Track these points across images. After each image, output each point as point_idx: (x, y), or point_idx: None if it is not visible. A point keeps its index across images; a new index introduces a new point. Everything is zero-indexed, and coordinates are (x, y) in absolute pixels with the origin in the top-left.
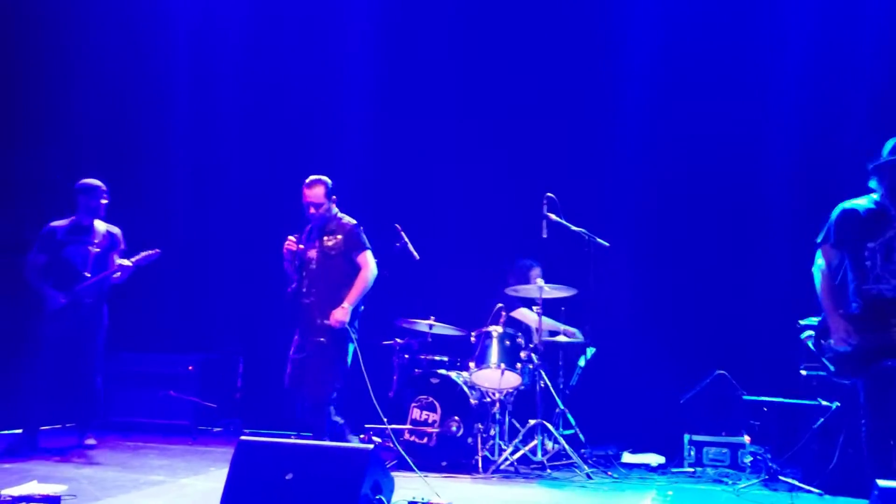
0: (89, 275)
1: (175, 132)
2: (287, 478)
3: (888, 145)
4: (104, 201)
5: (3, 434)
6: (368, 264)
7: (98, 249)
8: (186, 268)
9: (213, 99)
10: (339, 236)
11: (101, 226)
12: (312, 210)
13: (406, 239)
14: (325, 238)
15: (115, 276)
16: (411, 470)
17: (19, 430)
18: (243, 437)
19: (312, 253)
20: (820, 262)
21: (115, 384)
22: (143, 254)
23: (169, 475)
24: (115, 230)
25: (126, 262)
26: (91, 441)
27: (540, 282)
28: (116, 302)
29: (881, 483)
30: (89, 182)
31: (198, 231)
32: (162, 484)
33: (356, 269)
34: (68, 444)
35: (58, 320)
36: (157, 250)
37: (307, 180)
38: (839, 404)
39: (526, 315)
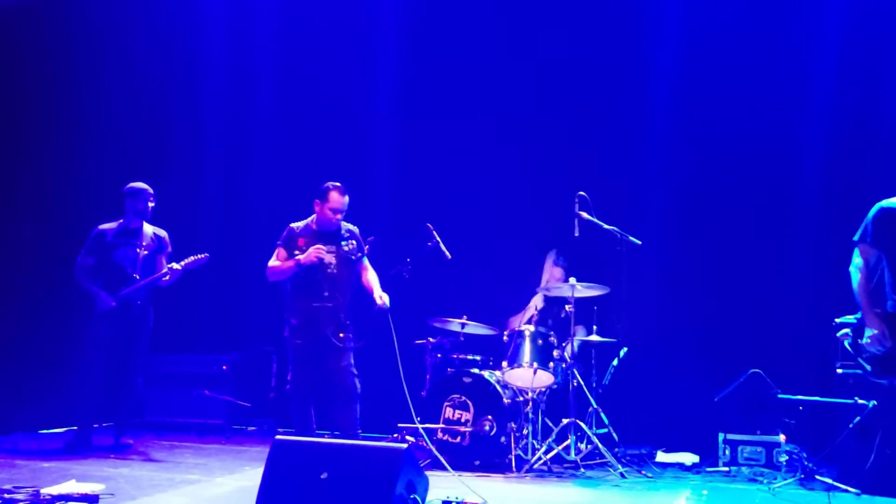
0: (138, 277)
1: (208, 135)
2: (322, 477)
3: None
4: (151, 204)
5: (56, 433)
6: (370, 268)
7: (146, 252)
8: (220, 268)
9: (246, 101)
10: (354, 242)
11: (148, 228)
12: (339, 217)
13: (438, 238)
14: (344, 243)
15: (164, 279)
16: (445, 469)
17: (74, 428)
18: (278, 437)
19: (331, 258)
20: (857, 260)
21: (151, 384)
22: (193, 258)
23: (204, 474)
24: (163, 233)
25: (176, 266)
26: (128, 440)
27: (571, 280)
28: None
29: None
30: (136, 185)
31: (230, 231)
32: (197, 483)
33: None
34: (105, 443)
35: (108, 321)
36: (206, 255)
37: (340, 186)
38: (876, 403)
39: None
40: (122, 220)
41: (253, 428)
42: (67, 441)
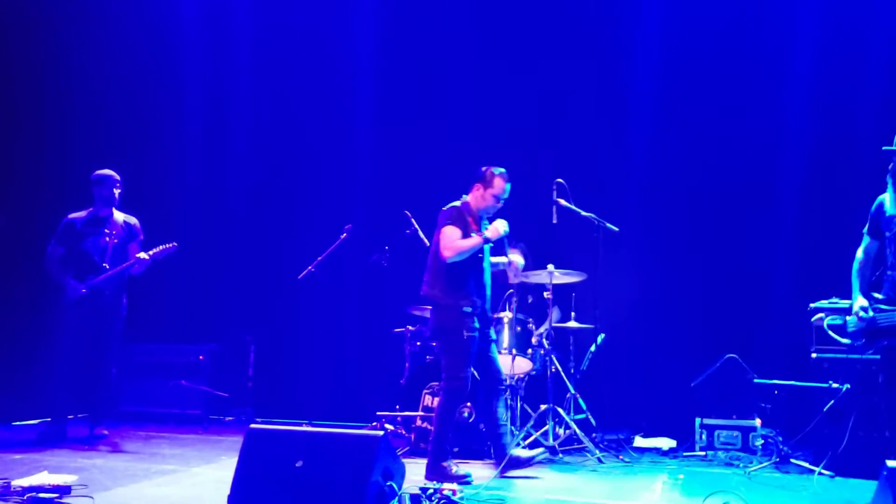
0: (108, 266)
1: (186, 125)
2: (297, 465)
3: None
4: (117, 190)
5: (29, 424)
6: None
7: (116, 240)
8: (196, 258)
9: (224, 88)
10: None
11: (119, 216)
12: (499, 204)
13: (416, 226)
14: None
15: (132, 267)
16: (423, 456)
17: (48, 419)
18: (253, 426)
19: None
20: (860, 248)
21: (127, 374)
22: (161, 247)
23: (180, 464)
24: (134, 221)
25: (143, 256)
26: (103, 431)
27: (549, 266)
28: (127, 292)
29: (890, 463)
30: (102, 172)
31: (207, 221)
32: (173, 473)
33: None
34: (80, 434)
35: (78, 311)
36: (174, 244)
37: (505, 173)
38: (849, 386)
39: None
40: (91, 209)
41: (231, 418)
42: (40, 432)
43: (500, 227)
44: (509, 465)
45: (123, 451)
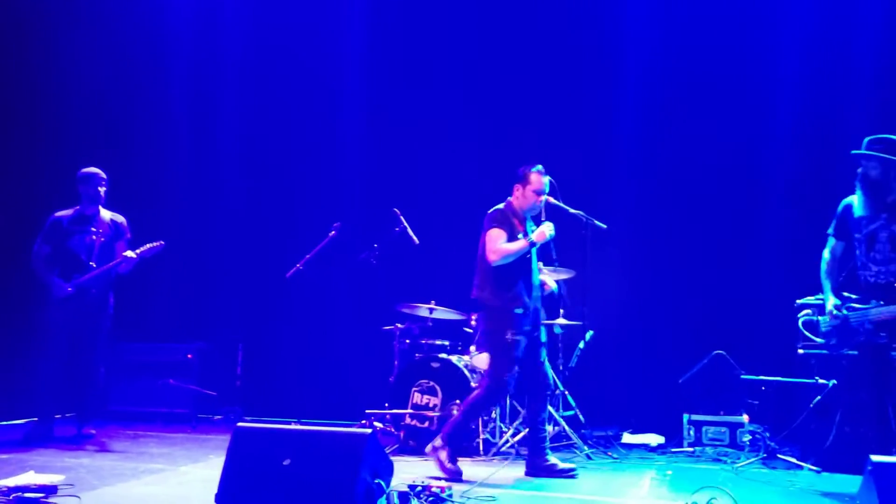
0: (94, 264)
1: (174, 122)
2: (285, 463)
3: (865, 141)
4: (103, 188)
5: (16, 424)
6: None
7: (103, 239)
8: (185, 256)
9: (212, 88)
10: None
11: (105, 214)
12: (541, 199)
13: (405, 223)
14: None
15: (119, 266)
16: (413, 454)
17: (34, 419)
18: (240, 424)
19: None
20: (826, 250)
21: (115, 373)
22: (148, 246)
23: (168, 463)
24: (121, 219)
25: (131, 254)
26: (91, 431)
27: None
28: (115, 291)
29: (874, 458)
30: (87, 171)
31: (196, 220)
32: (161, 472)
33: None
34: (68, 433)
35: (64, 310)
36: (161, 242)
37: (540, 167)
38: (836, 382)
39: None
40: (77, 207)
41: (219, 417)
42: (27, 432)
43: (545, 230)
44: (545, 471)
45: (111, 451)
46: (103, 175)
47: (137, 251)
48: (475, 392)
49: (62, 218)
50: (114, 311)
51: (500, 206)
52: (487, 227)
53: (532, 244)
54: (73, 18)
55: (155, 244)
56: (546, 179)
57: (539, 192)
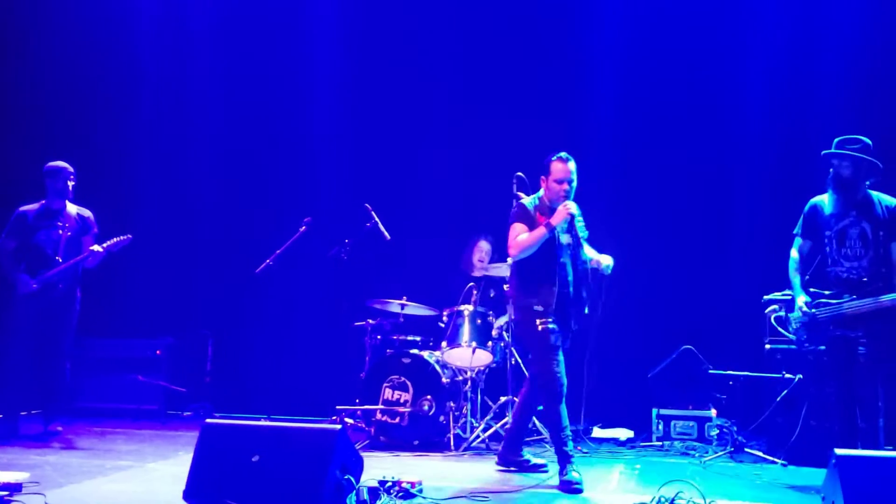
0: (60, 259)
1: (143, 115)
2: (254, 460)
3: (836, 140)
4: (71, 183)
5: None
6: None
7: (69, 233)
8: (153, 251)
9: (181, 83)
10: (581, 220)
11: (72, 209)
12: (566, 187)
13: (377, 219)
14: (577, 220)
15: (86, 260)
16: (383, 450)
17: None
18: (209, 420)
19: (567, 238)
20: (793, 249)
21: (83, 370)
22: (115, 239)
23: (136, 460)
24: (87, 213)
25: (97, 248)
26: (57, 428)
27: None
28: (82, 286)
29: (838, 451)
30: (55, 164)
31: (165, 214)
32: (129, 469)
33: None
34: (34, 431)
35: (30, 305)
36: (129, 236)
37: (563, 155)
38: (802, 376)
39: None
40: (43, 201)
41: (188, 413)
42: None
43: (563, 209)
44: (517, 465)
45: (77, 448)
46: (71, 169)
47: (104, 245)
48: (523, 392)
49: (27, 212)
50: (81, 307)
51: (526, 199)
52: (509, 223)
53: (550, 227)
54: (40, 9)
55: (122, 238)
56: (569, 166)
57: (560, 181)
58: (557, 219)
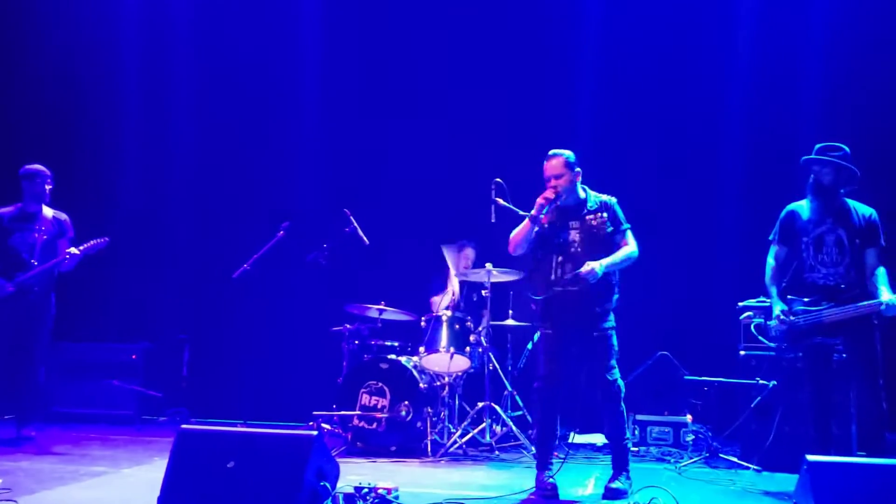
0: (36, 262)
1: (120, 118)
2: (229, 466)
3: (816, 147)
4: (48, 186)
5: None
6: (634, 243)
7: (45, 237)
8: (130, 255)
9: (159, 86)
10: (604, 214)
11: (48, 212)
12: (550, 185)
13: (355, 224)
14: (591, 217)
15: (62, 264)
16: (360, 456)
17: None
18: (184, 426)
19: (574, 235)
20: (770, 255)
21: (57, 374)
22: (91, 242)
23: (110, 466)
24: (64, 217)
25: (74, 251)
26: (31, 433)
27: (488, 265)
28: (57, 290)
29: (809, 457)
30: (32, 167)
31: (142, 217)
32: (103, 475)
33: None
34: (7, 436)
35: (4, 309)
36: (105, 238)
37: (549, 153)
38: (776, 383)
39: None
40: (19, 204)
41: (164, 419)
42: None
43: (541, 197)
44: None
45: (51, 453)
46: (48, 172)
47: (80, 248)
48: None
49: (3, 215)
50: (56, 311)
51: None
52: None
53: (532, 217)
54: (16, 9)
55: (98, 240)
56: (552, 163)
57: (548, 179)
58: (536, 209)
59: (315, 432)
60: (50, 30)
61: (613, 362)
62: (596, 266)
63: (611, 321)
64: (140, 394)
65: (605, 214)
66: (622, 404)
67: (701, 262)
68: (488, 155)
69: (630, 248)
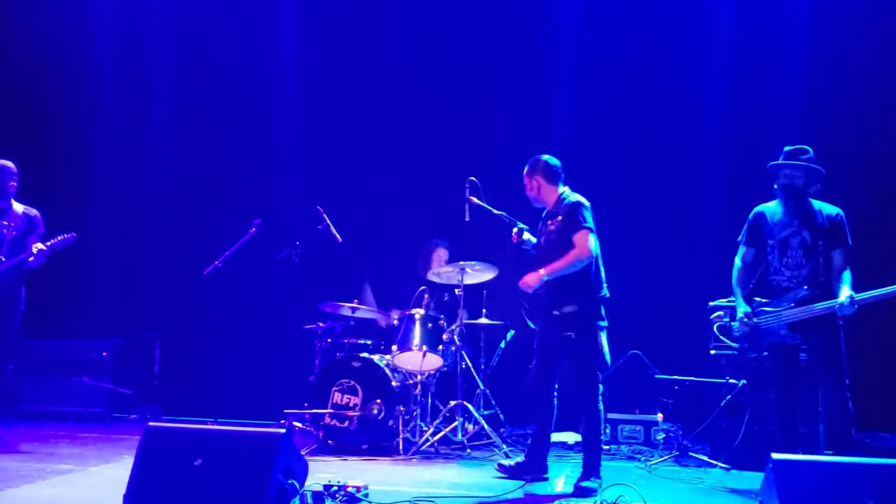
0: (4, 258)
1: (92, 114)
2: (196, 464)
3: (785, 150)
4: (13, 183)
5: None
6: (583, 244)
7: (14, 233)
8: (101, 251)
9: (133, 82)
10: (560, 217)
11: (18, 208)
12: (528, 193)
13: (328, 221)
14: (549, 222)
15: (29, 259)
16: (331, 454)
17: None
18: (150, 424)
19: (541, 240)
20: (737, 257)
21: (26, 371)
22: (59, 237)
23: (78, 464)
24: (34, 212)
25: (41, 246)
26: None
27: (461, 263)
28: (28, 286)
29: (775, 455)
30: None
31: (113, 213)
32: (70, 473)
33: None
34: None
35: None
36: (73, 234)
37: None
38: (745, 382)
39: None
40: None
41: (135, 416)
42: None
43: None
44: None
45: (18, 451)
46: (14, 168)
47: (47, 243)
48: None
49: None
50: (25, 307)
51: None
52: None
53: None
54: None
55: (66, 235)
56: (524, 173)
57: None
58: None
59: (283, 430)
60: (23, 25)
61: (583, 363)
62: (530, 278)
63: (579, 324)
64: (111, 391)
65: (560, 218)
66: (599, 404)
67: (673, 261)
68: (462, 154)
69: (576, 251)
